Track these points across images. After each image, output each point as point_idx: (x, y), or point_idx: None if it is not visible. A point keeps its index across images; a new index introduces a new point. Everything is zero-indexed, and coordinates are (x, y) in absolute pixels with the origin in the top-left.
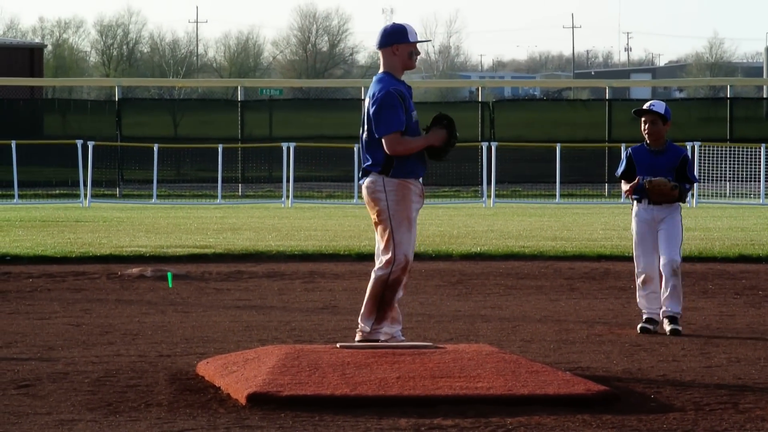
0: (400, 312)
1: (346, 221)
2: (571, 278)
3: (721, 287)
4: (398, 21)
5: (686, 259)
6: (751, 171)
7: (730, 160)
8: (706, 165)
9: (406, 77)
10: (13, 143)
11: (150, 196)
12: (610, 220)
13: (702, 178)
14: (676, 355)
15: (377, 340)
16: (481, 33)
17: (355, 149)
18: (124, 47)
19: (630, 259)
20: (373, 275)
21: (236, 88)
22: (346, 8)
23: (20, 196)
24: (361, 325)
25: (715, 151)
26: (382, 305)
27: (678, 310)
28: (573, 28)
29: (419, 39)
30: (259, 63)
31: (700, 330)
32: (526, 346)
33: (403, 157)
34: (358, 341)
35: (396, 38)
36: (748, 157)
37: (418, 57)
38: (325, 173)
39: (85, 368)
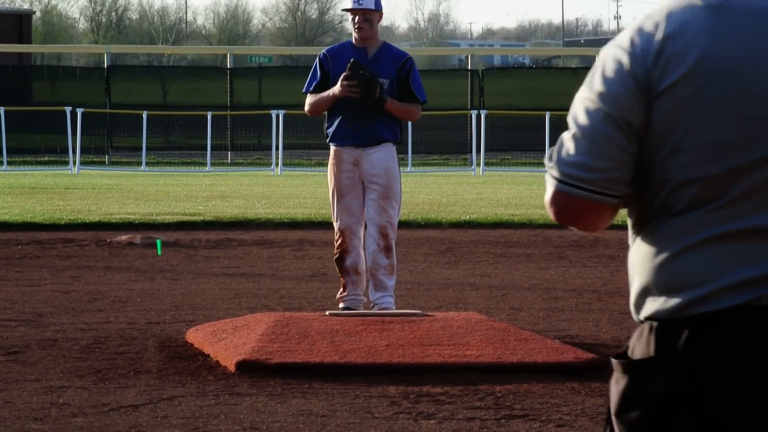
0: (365, 277)
1: None
2: (560, 246)
3: None
4: None
5: None
6: None
7: None
8: None
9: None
10: (2, 110)
11: (139, 164)
12: None
13: None
14: None
15: (348, 309)
16: (471, 1)
17: None
18: (113, 14)
19: (619, 227)
20: None
21: (225, 55)
22: None
23: (9, 163)
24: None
25: None
26: (341, 274)
27: None
28: None
29: (350, 6)
30: (248, 30)
31: None
32: (515, 314)
33: (332, 123)
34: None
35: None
36: None
37: (362, 25)
38: (315, 141)
39: (74, 335)
